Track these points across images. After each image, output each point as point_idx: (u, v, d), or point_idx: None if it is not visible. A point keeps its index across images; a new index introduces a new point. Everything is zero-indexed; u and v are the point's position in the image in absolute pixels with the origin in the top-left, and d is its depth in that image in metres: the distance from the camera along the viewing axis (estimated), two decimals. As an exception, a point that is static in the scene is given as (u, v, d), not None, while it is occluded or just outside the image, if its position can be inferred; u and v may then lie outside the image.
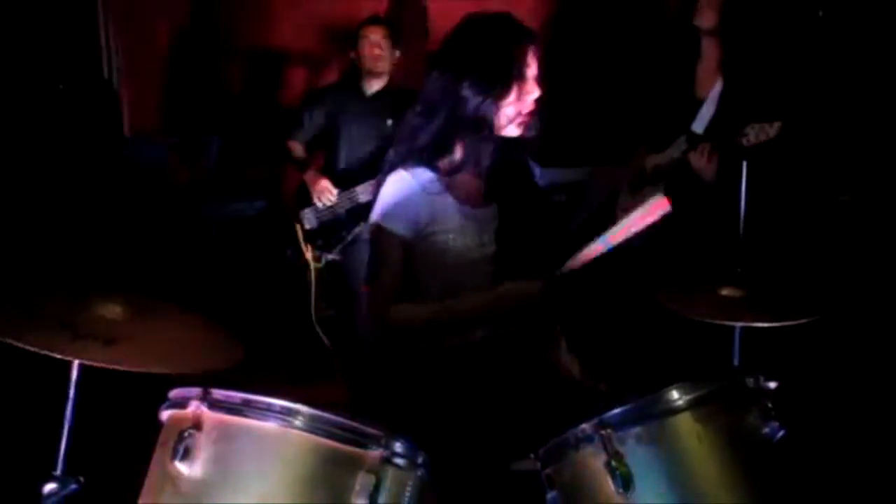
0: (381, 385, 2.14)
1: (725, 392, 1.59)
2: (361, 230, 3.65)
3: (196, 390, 1.44)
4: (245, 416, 1.41)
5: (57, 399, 1.61)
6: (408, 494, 1.47)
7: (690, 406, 1.53)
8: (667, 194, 3.26)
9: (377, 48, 3.79)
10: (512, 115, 2.01)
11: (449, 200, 2.04)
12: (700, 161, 3.10)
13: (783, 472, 1.57)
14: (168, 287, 1.90)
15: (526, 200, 2.14)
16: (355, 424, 1.42)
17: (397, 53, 3.86)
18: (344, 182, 3.79)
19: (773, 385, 1.63)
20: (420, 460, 1.50)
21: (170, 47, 4.57)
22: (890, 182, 3.32)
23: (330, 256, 3.83)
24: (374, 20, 3.90)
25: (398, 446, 1.45)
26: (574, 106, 3.98)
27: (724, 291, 2.22)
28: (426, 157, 2.03)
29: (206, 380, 1.48)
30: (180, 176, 4.15)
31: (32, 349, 1.41)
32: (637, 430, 1.50)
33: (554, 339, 2.17)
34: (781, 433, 1.58)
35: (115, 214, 3.91)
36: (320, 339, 3.87)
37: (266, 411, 1.41)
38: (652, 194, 3.35)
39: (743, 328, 2.25)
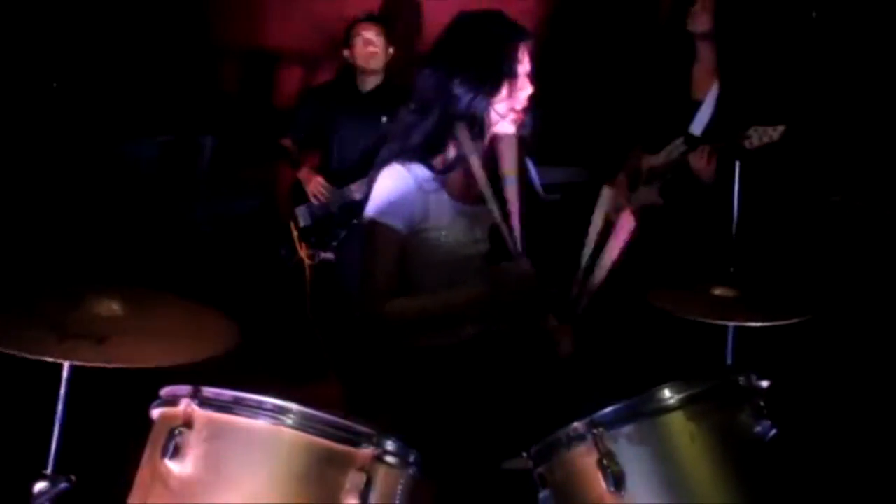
0: (375, 384, 2.13)
1: (718, 391, 1.58)
2: (355, 227, 3.64)
3: (187, 388, 1.44)
4: (236, 413, 1.40)
5: (48, 397, 1.61)
6: (399, 493, 1.46)
7: (683, 405, 1.53)
8: (662, 195, 3.32)
9: (371, 46, 3.79)
10: (504, 111, 2.01)
11: (444, 197, 2.05)
12: (700, 162, 3.11)
13: (775, 470, 1.57)
14: (161, 286, 1.89)
15: (521, 200, 2.13)
16: (346, 423, 1.42)
17: (391, 51, 3.86)
18: (338, 179, 3.78)
19: (765, 384, 1.63)
20: (412, 459, 1.50)
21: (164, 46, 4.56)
22: (881, 182, 3.33)
23: (324, 255, 3.83)
24: (367, 18, 3.90)
25: (389, 445, 1.44)
26: (569, 106, 3.98)
27: (717, 291, 2.23)
28: (420, 154, 2.04)
29: (198, 378, 1.48)
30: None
31: (22, 355, 1.41)
32: (629, 428, 1.50)
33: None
34: (773, 432, 1.58)
35: (107, 213, 3.90)
36: (314, 338, 3.87)
37: (257, 409, 1.40)
38: (647, 198, 3.39)
39: (736, 328, 2.25)
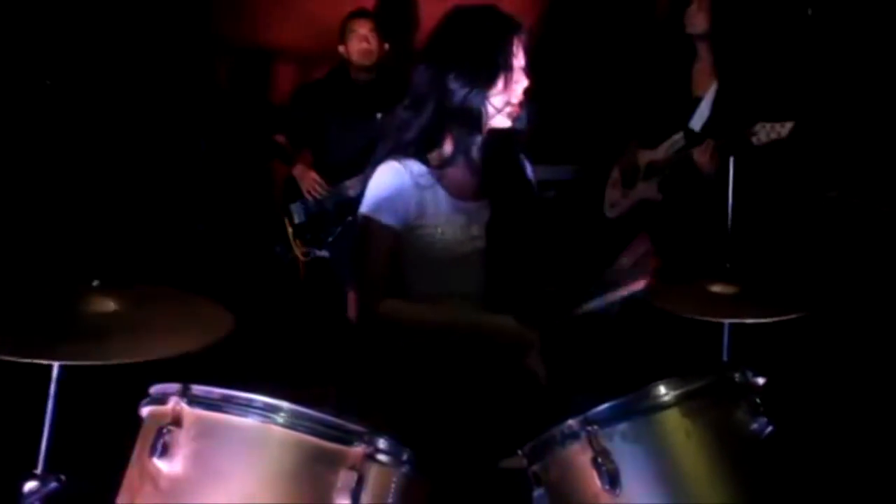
0: (369, 382, 2.12)
1: (714, 387, 1.57)
2: (350, 224, 3.63)
3: (175, 386, 1.42)
4: (225, 412, 1.39)
5: (38, 397, 1.59)
6: (392, 492, 1.44)
7: (678, 401, 1.51)
8: (661, 190, 3.32)
9: (365, 42, 3.78)
10: (500, 105, 2.01)
11: (440, 193, 2.04)
12: (704, 157, 3.12)
13: (771, 468, 1.56)
14: (155, 285, 1.89)
15: (518, 196, 2.13)
16: (337, 421, 1.40)
17: (386, 47, 3.84)
18: (333, 176, 3.77)
19: (761, 381, 1.62)
20: (405, 457, 1.48)
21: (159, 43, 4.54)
22: (878, 178, 3.32)
23: (319, 252, 3.82)
24: (361, 13, 3.89)
25: (382, 443, 1.43)
26: (564, 103, 3.97)
27: (714, 288, 2.22)
28: (415, 150, 2.03)
29: (191, 376, 1.46)
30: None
31: (11, 359, 1.40)
32: (624, 426, 1.49)
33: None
34: (770, 429, 1.57)
35: (101, 212, 3.88)
36: (309, 337, 3.85)
37: (247, 407, 1.39)
38: (645, 193, 3.38)
39: (732, 324, 2.24)
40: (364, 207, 2.04)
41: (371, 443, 1.41)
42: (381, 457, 1.43)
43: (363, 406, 2.06)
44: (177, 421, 1.38)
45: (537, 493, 1.56)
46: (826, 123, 3.37)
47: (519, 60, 2.00)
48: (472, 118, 1.99)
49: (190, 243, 4.16)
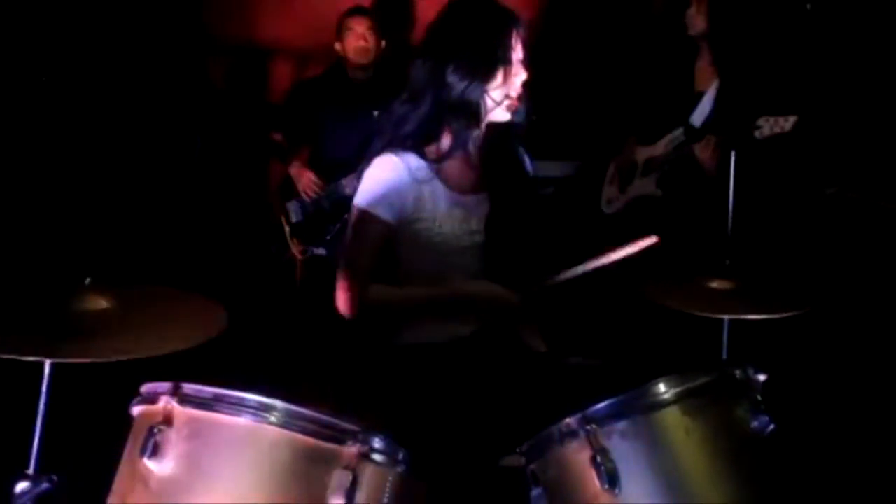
0: (365, 381, 2.11)
1: (714, 385, 1.55)
2: (346, 222, 3.61)
3: (166, 385, 1.40)
4: (217, 411, 1.37)
5: (29, 396, 1.57)
6: (387, 492, 1.42)
7: (678, 399, 1.50)
8: (660, 186, 3.31)
9: (362, 40, 3.76)
10: (499, 98, 2.00)
11: (438, 187, 2.03)
12: (705, 152, 3.11)
13: (772, 466, 1.54)
14: (150, 283, 1.88)
15: (517, 190, 2.12)
16: (331, 420, 1.38)
17: (383, 44, 3.82)
18: (329, 174, 3.75)
19: (762, 378, 1.61)
20: (400, 457, 1.46)
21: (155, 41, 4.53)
22: (877, 174, 3.31)
23: (316, 251, 3.80)
24: (358, 11, 3.87)
25: (376, 442, 1.41)
26: (563, 99, 3.96)
27: (713, 284, 2.20)
28: (413, 143, 2.02)
29: (185, 375, 1.44)
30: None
31: (2, 357, 1.39)
32: (623, 424, 1.47)
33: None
34: (771, 427, 1.55)
35: (96, 210, 3.87)
36: (305, 336, 3.83)
37: (239, 406, 1.37)
38: (643, 190, 3.37)
39: (731, 321, 2.23)
40: (359, 199, 2.03)
41: (366, 442, 1.39)
42: (376, 456, 1.41)
43: (360, 405, 2.04)
44: (168, 420, 1.37)
45: (535, 492, 1.55)
46: (825, 119, 3.36)
47: (518, 54, 2.00)
48: (471, 111, 1.99)
49: (185, 242, 4.15)
